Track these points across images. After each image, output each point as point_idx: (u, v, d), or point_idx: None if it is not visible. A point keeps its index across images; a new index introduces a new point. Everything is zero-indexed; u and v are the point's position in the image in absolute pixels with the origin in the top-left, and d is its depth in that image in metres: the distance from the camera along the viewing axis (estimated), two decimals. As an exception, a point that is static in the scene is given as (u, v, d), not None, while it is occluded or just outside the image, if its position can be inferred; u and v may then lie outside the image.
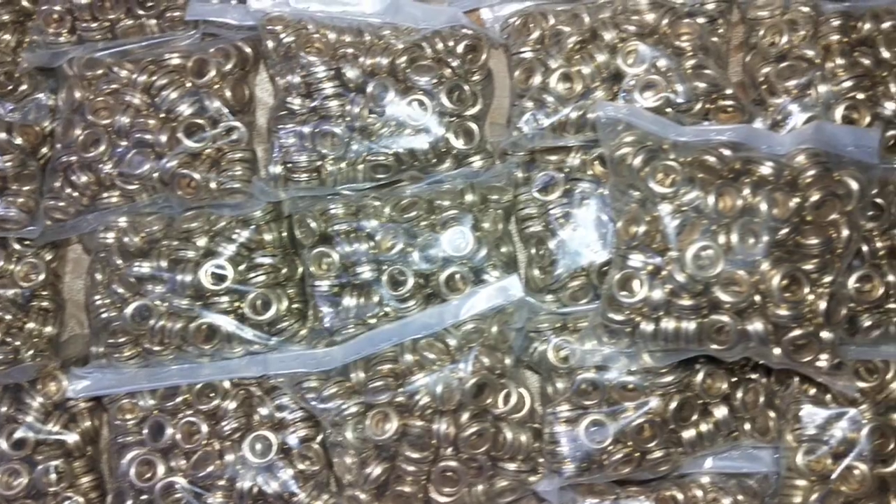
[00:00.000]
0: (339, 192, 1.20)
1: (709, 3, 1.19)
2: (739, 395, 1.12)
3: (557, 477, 1.11)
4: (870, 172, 1.04)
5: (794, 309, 1.00)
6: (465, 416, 1.12)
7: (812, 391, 1.10)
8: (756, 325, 1.01)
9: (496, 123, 1.25)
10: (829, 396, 1.10)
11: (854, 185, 1.03)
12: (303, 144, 1.18)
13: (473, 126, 1.19)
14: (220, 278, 1.16)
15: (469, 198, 1.17)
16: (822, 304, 1.00)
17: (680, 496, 1.12)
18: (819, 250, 1.02)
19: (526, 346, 1.15)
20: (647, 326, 1.05)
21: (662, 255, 1.03)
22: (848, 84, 1.11)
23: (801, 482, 1.09)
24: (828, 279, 1.02)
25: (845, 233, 1.02)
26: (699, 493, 1.12)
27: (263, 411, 1.17)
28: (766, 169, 1.03)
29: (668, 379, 1.10)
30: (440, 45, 1.20)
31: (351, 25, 1.22)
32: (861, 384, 1.10)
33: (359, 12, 1.22)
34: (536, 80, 1.16)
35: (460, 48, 1.20)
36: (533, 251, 1.19)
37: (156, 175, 1.20)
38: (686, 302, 1.02)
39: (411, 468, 1.13)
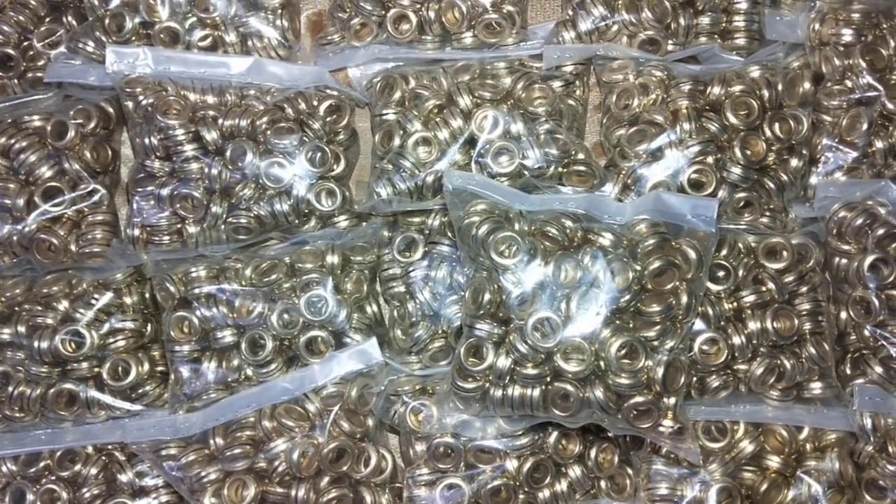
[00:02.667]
0: (203, 253, 1.20)
1: (566, 66, 1.21)
2: (594, 454, 1.14)
3: (415, 540, 1.13)
4: (709, 240, 1.06)
5: (633, 377, 1.02)
6: (324, 482, 1.13)
7: (664, 450, 1.13)
8: (597, 393, 1.03)
9: (363, 182, 1.26)
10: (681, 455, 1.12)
11: (692, 254, 1.05)
12: (161, 207, 1.18)
13: (335, 187, 1.19)
14: (78, 345, 1.15)
15: (330, 259, 1.17)
16: (660, 372, 1.02)
17: (536, 556, 1.14)
18: (660, 317, 1.04)
19: (387, 409, 1.16)
20: (496, 393, 1.06)
21: (506, 325, 1.05)
22: (696, 149, 1.14)
23: (653, 540, 1.12)
24: (669, 345, 1.04)
25: (685, 299, 1.05)
26: (555, 552, 1.14)
27: (124, 478, 1.16)
28: (606, 239, 1.05)
29: (523, 441, 1.12)
30: (303, 106, 1.20)
31: (213, 86, 1.21)
32: (710, 444, 1.12)
33: (222, 73, 1.22)
34: (395, 142, 1.17)
35: (322, 109, 1.21)
36: (395, 312, 1.20)
37: (15, 239, 1.19)
38: (530, 371, 1.04)
39: (272, 534, 1.13)
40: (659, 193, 1.07)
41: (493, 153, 1.13)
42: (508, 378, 1.05)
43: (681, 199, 1.07)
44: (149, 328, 1.20)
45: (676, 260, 1.05)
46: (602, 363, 1.03)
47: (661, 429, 1.05)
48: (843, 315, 1.17)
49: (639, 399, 1.03)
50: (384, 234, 1.22)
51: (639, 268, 1.04)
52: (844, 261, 1.16)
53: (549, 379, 1.04)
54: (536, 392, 1.05)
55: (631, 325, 1.04)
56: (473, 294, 1.06)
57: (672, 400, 1.05)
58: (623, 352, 1.02)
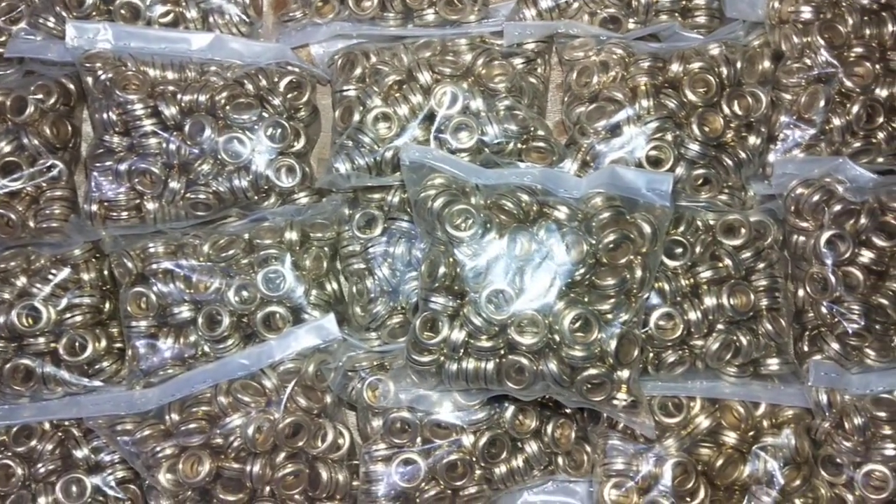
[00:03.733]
0: (161, 230, 1.20)
1: (527, 43, 1.21)
2: (550, 430, 1.14)
3: (372, 516, 1.12)
4: (664, 214, 1.07)
5: (587, 350, 1.02)
6: (280, 457, 1.12)
7: (621, 426, 1.13)
8: (551, 366, 1.03)
9: (324, 159, 1.26)
10: (637, 431, 1.12)
11: (647, 228, 1.05)
12: (119, 182, 1.17)
13: (295, 163, 1.19)
14: (34, 320, 1.15)
15: (289, 235, 1.17)
16: (613, 344, 1.02)
17: (493, 532, 1.14)
18: (614, 291, 1.04)
19: (345, 385, 1.16)
20: (451, 366, 1.06)
21: (461, 298, 1.05)
22: (654, 125, 1.14)
23: (609, 516, 1.12)
24: (623, 318, 1.04)
25: (639, 273, 1.05)
26: (512, 528, 1.14)
27: (79, 454, 1.15)
28: (561, 213, 1.05)
29: (480, 416, 1.12)
30: (263, 82, 1.20)
31: (174, 62, 1.21)
32: (666, 419, 1.12)
33: (183, 49, 1.22)
34: (355, 118, 1.17)
35: (283, 85, 1.21)
36: (354, 289, 1.20)
37: (-28, 214, 1.18)
38: (484, 343, 1.04)
39: (227, 510, 1.13)
40: (614, 168, 1.07)
41: (452, 129, 1.13)
42: (463, 351, 1.05)
43: (636, 173, 1.07)
44: (107, 305, 1.20)
45: (631, 234, 1.05)
46: (556, 336, 1.03)
47: (615, 402, 1.05)
48: (801, 293, 1.17)
49: (592, 371, 1.03)
50: (344, 211, 1.21)
51: (594, 241, 1.04)
52: (802, 238, 1.16)
53: (503, 352, 1.04)
54: (491, 365, 1.04)
55: (585, 299, 1.04)
56: (429, 267, 1.06)
57: (626, 373, 1.05)
58: (576, 324, 1.02)
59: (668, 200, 1.06)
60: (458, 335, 1.04)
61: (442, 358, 1.06)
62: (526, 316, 1.03)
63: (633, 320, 1.05)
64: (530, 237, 1.04)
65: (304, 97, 1.22)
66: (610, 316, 1.04)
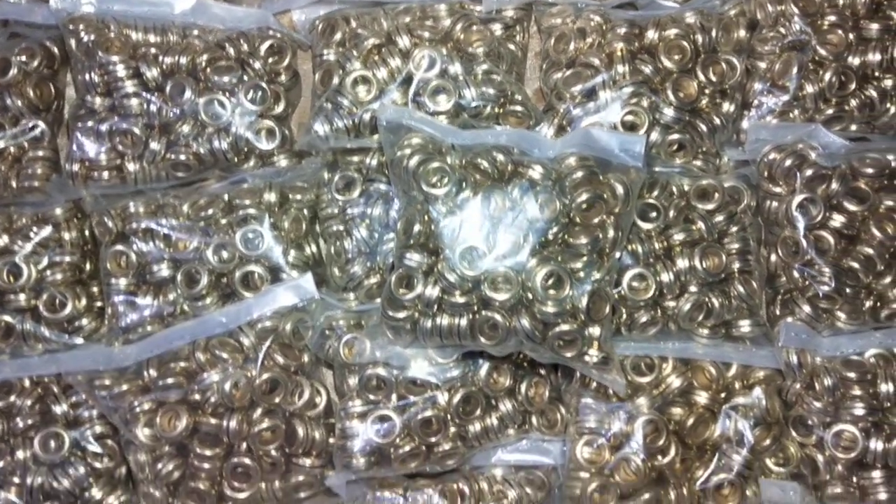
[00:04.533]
0: (142, 190, 1.21)
1: (506, 10, 1.22)
2: (524, 388, 1.15)
3: (347, 471, 1.13)
4: (636, 176, 1.08)
5: (558, 305, 1.04)
6: (257, 413, 1.14)
7: (594, 385, 1.14)
8: (523, 322, 1.04)
9: (304, 123, 1.27)
10: (610, 390, 1.13)
11: (620, 189, 1.07)
12: (101, 142, 1.18)
13: (275, 126, 1.20)
14: (15, 276, 1.16)
15: (268, 196, 1.18)
16: (584, 300, 1.04)
17: (466, 489, 1.15)
18: (586, 249, 1.06)
19: (322, 344, 1.17)
20: (425, 322, 1.07)
21: (436, 255, 1.06)
22: (629, 90, 1.15)
23: (581, 474, 1.13)
24: (595, 276, 1.06)
25: (611, 233, 1.06)
26: (485, 485, 1.16)
27: (58, 409, 1.16)
28: (535, 172, 1.06)
29: (454, 374, 1.13)
30: (244, 47, 1.22)
31: (156, 25, 1.22)
32: (638, 378, 1.14)
33: (166, 13, 1.23)
34: (335, 81, 1.18)
35: (263, 49, 1.22)
36: (332, 250, 1.21)
37: (-45, 173, 1.19)
38: (458, 300, 1.05)
39: (205, 465, 1.14)
40: (588, 129, 1.08)
41: (429, 92, 1.14)
42: (437, 307, 1.06)
43: (609, 135, 1.08)
44: (88, 265, 1.21)
45: (604, 194, 1.06)
46: (528, 293, 1.04)
47: (587, 358, 1.07)
48: (774, 257, 1.19)
49: (564, 327, 1.04)
50: (324, 174, 1.23)
51: (567, 200, 1.06)
52: (775, 203, 1.18)
53: (476, 308, 1.06)
54: (464, 321, 1.06)
55: (558, 258, 1.05)
56: (404, 225, 1.08)
57: (597, 330, 1.06)
58: (549, 281, 1.04)
59: (641, 161, 1.07)
60: (433, 291, 1.05)
61: (417, 314, 1.08)
62: (499, 273, 1.04)
63: (605, 279, 1.06)
64: (504, 196, 1.05)
65: (284, 61, 1.24)
66: (582, 274, 1.05)
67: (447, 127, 1.11)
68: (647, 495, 1.11)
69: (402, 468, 1.14)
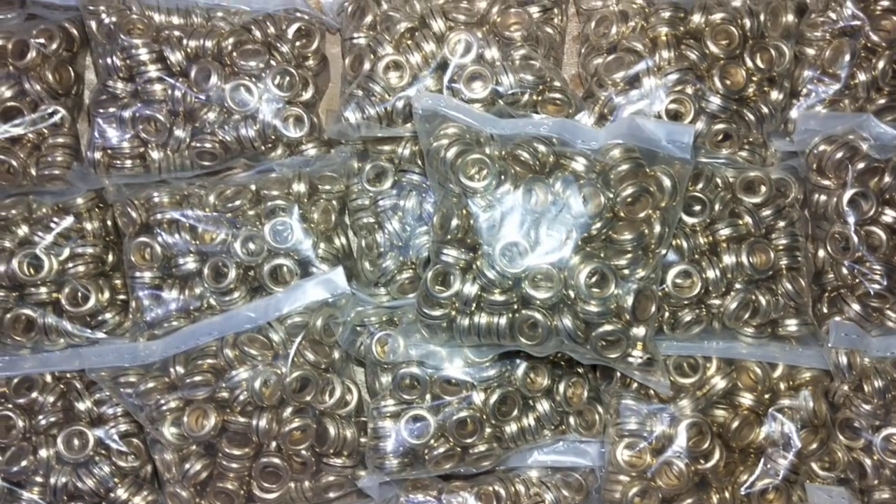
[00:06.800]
0: (167, 179, 1.17)
1: (544, -8, 1.17)
2: (562, 389, 1.11)
3: (379, 472, 1.10)
4: (684, 168, 1.03)
5: (602, 305, 0.99)
6: (287, 412, 1.10)
7: (634, 385, 1.10)
8: (565, 321, 1.00)
9: (333, 111, 1.22)
10: (651, 391, 1.09)
11: (667, 182, 1.02)
12: (124, 129, 1.14)
13: (304, 113, 1.16)
14: (36, 269, 1.12)
15: (297, 187, 1.14)
16: (629, 300, 1.00)
17: (502, 491, 1.11)
18: (631, 246, 1.01)
19: (353, 340, 1.13)
20: (463, 321, 1.03)
21: (474, 251, 1.02)
22: (674, 77, 1.10)
23: (622, 477, 1.09)
24: (641, 274, 1.01)
25: (658, 229, 1.02)
26: (521, 488, 1.12)
27: (82, 406, 1.13)
28: (578, 164, 1.02)
29: (491, 373, 1.09)
30: (271, 29, 1.17)
31: (179, 7, 1.18)
32: (681, 379, 1.10)
33: (189, -6, 1.18)
34: (365, 67, 1.13)
35: (291, 32, 1.17)
36: (363, 243, 1.17)
37: (-27, 161, 1.15)
38: (497, 297, 1.01)
39: (233, 465, 1.11)
40: (634, 118, 1.03)
41: (465, 78, 1.10)
42: (475, 305, 1.02)
43: (656, 124, 1.03)
44: (110, 256, 1.17)
45: (650, 187, 1.02)
46: (571, 291, 1.00)
47: (630, 359, 1.03)
48: (821, 253, 1.14)
49: (608, 327, 1.00)
50: (354, 164, 1.18)
51: (611, 194, 1.01)
52: (824, 197, 1.13)
53: (516, 306, 1.01)
54: (503, 320, 1.02)
55: (602, 254, 1.01)
56: (441, 219, 1.03)
57: (642, 330, 1.02)
58: (592, 279, 1.00)
59: (689, 153, 1.02)
60: (471, 289, 1.01)
61: (453, 312, 1.04)
62: (540, 270, 1.00)
63: (651, 276, 1.02)
64: (546, 189, 1.01)
65: (312, 45, 1.19)
66: (627, 271, 1.01)
67: (485, 115, 1.06)
68: (689, 500, 1.08)
69: (436, 469, 1.11)
